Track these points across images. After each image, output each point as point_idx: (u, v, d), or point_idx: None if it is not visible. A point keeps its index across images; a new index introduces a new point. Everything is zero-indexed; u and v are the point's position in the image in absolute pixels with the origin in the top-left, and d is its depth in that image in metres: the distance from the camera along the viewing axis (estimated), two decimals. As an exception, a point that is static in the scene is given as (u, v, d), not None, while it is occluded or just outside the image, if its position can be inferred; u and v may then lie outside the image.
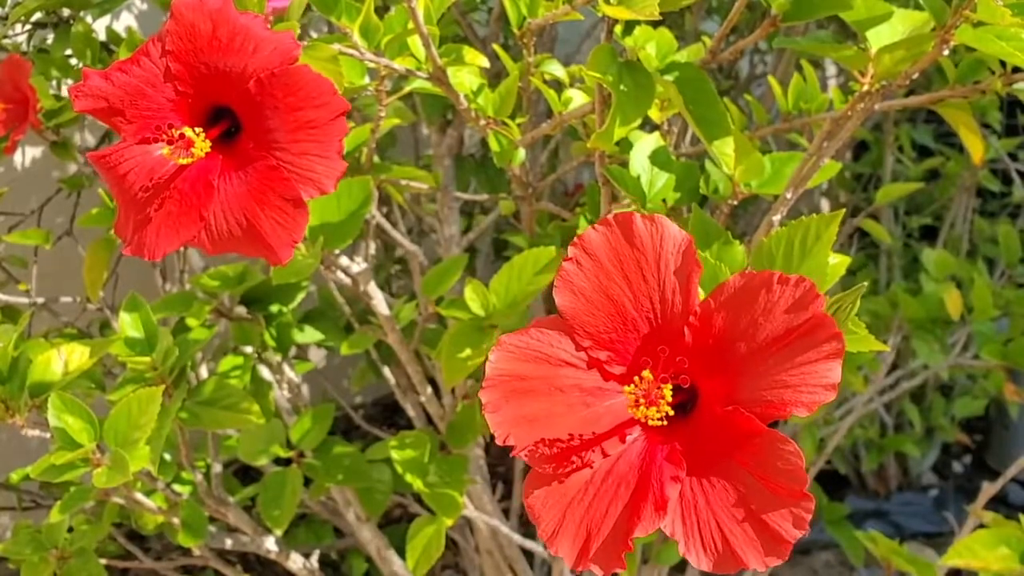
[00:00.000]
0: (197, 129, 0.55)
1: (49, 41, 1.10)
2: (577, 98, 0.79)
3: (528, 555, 1.26)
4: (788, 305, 0.43)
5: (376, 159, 0.92)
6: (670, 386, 0.46)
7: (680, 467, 0.45)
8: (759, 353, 0.44)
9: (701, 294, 0.47)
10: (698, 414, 0.47)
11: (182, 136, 0.54)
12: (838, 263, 0.56)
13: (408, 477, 0.93)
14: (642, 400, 0.46)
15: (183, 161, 0.55)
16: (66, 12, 1.06)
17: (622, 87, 0.58)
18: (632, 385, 0.46)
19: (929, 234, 1.89)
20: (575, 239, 0.47)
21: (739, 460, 0.44)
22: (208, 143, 0.55)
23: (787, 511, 0.42)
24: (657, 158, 0.74)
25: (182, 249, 1.14)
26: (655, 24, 0.61)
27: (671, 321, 0.46)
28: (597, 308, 0.47)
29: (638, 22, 0.62)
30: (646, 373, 0.46)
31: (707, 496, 0.44)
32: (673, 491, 0.45)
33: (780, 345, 0.43)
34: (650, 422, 0.46)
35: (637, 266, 0.46)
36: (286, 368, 1.09)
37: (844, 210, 0.53)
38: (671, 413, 0.46)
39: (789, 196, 0.67)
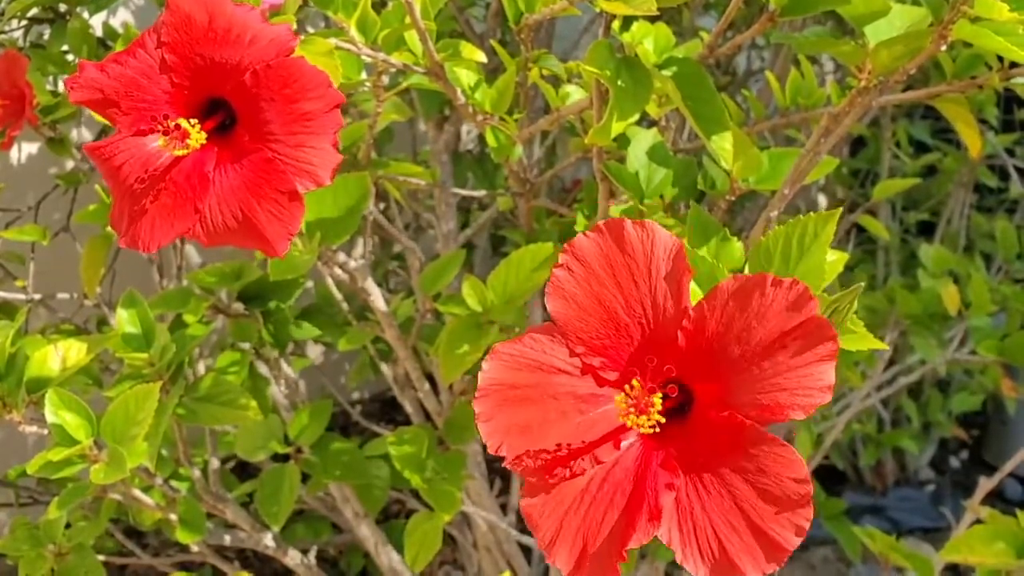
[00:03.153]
0: (193, 120, 0.55)
1: (46, 37, 1.10)
2: (575, 94, 0.79)
3: (526, 550, 1.26)
4: (782, 308, 0.43)
5: (373, 155, 0.92)
6: (660, 395, 0.45)
7: (675, 474, 0.45)
8: (753, 356, 0.43)
9: (698, 293, 0.47)
10: (693, 417, 0.47)
11: (177, 127, 0.54)
12: (836, 259, 0.56)
13: (406, 473, 0.93)
14: (632, 409, 0.45)
15: (178, 152, 0.55)
16: (63, 8, 1.06)
17: (620, 83, 0.58)
18: (623, 395, 0.46)
19: (926, 230, 1.90)
20: (566, 246, 0.47)
21: (736, 466, 0.43)
22: (204, 134, 0.55)
23: (786, 519, 0.42)
24: (655, 154, 0.74)
25: (179, 245, 1.14)
26: (653, 19, 0.61)
27: (664, 326, 0.46)
28: (589, 314, 0.47)
29: (636, 17, 0.62)
30: (635, 382, 0.46)
31: (703, 502, 0.44)
32: (668, 499, 0.44)
33: (775, 348, 0.43)
34: (641, 430, 0.46)
35: (628, 272, 0.46)
36: (284, 364, 1.09)
37: (841, 208, 0.52)
38: (662, 421, 0.45)
39: (786, 192, 0.67)
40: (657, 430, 0.46)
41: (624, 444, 0.47)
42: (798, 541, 0.42)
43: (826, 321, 0.42)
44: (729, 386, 0.44)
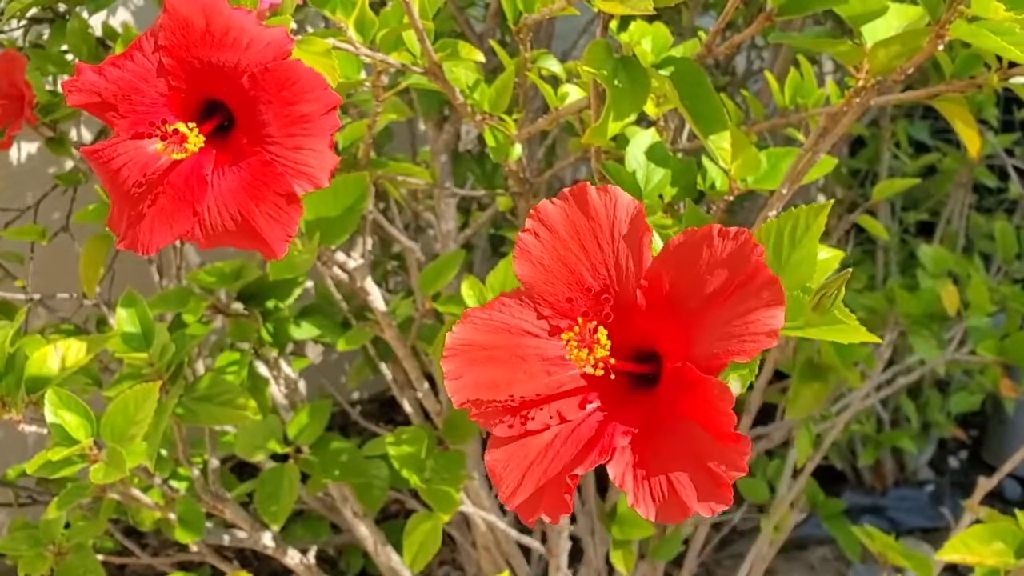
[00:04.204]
0: (191, 124, 0.55)
1: (45, 37, 1.10)
2: (573, 94, 0.79)
3: (525, 551, 1.26)
4: (728, 257, 0.44)
5: (373, 155, 0.92)
6: (605, 330, 0.47)
7: (634, 426, 0.46)
8: (706, 307, 0.45)
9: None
10: (660, 383, 0.48)
11: (176, 132, 0.54)
12: (832, 257, 0.56)
13: (405, 473, 0.94)
14: (575, 343, 0.47)
15: (177, 157, 0.55)
16: (62, 7, 1.06)
17: (617, 82, 0.58)
18: (570, 333, 0.47)
19: (926, 230, 1.90)
20: (532, 211, 0.49)
21: (685, 410, 0.45)
22: (202, 138, 0.55)
23: (724, 454, 0.43)
24: (654, 154, 0.74)
25: (178, 245, 1.14)
26: (650, 19, 0.61)
27: (627, 287, 0.47)
28: (556, 277, 0.49)
29: (633, 17, 0.62)
30: (580, 319, 0.47)
31: (656, 447, 0.45)
32: (623, 441, 0.45)
33: (724, 297, 0.44)
34: (588, 369, 0.47)
35: (592, 235, 0.48)
36: (283, 364, 1.09)
37: (834, 200, 0.53)
38: (612, 360, 0.47)
39: (785, 192, 0.67)
40: (609, 375, 0.47)
41: (590, 407, 0.49)
42: (737, 475, 0.43)
43: (765, 266, 0.43)
44: (687, 339, 0.45)
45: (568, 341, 0.47)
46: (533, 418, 0.48)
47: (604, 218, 0.47)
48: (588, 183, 0.48)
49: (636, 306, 0.47)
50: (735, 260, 0.44)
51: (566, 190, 0.48)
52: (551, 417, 0.48)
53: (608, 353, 0.47)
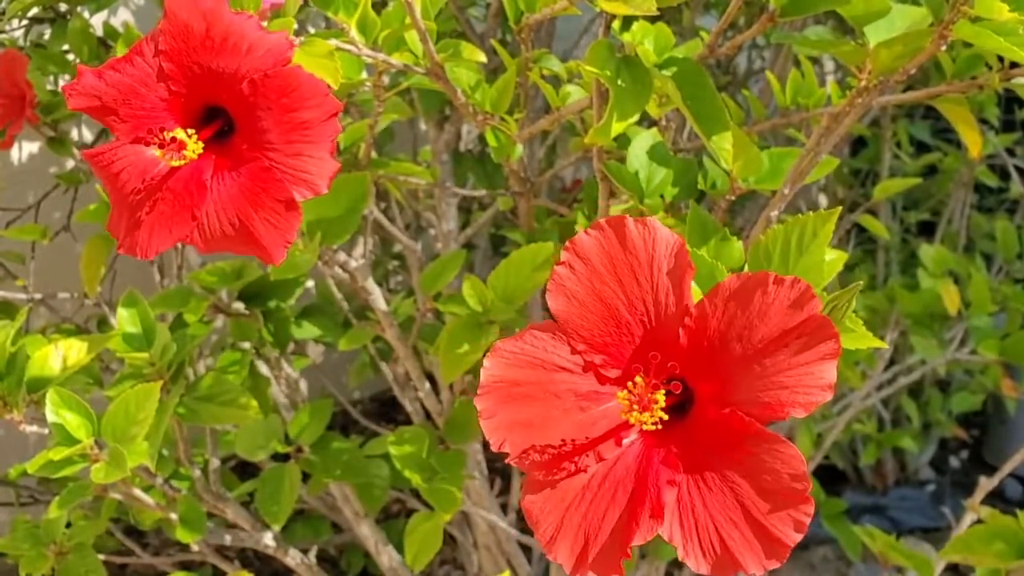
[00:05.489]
0: (190, 131, 0.55)
1: (46, 36, 1.10)
2: (575, 94, 0.79)
3: (526, 550, 1.26)
4: (784, 306, 0.43)
5: (374, 155, 0.92)
6: (663, 391, 0.45)
7: (677, 470, 0.45)
8: (755, 355, 0.43)
9: (697, 292, 0.47)
10: (695, 415, 0.47)
11: (174, 139, 0.54)
12: (835, 259, 0.56)
13: (406, 473, 0.93)
14: (635, 406, 0.46)
15: (175, 163, 0.55)
16: (63, 7, 1.06)
17: (620, 82, 0.58)
18: (625, 391, 0.46)
19: (927, 230, 1.90)
20: (567, 243, 0.47)
21: (737, 462, 0.44)
22: (200, 145, 0.55)
23: (786, 514, 0.42)
24: (655, 153, 0.74)
25: (179, 245, 1.14)
26: (653, 19, 0.61)
27: (665, 323, 0.46)
28: (591, 312, 0.47)
29: (636, 17, 0.62)
30: (638, 378, 0.46)
31: (704, 499, 0.44)
32: (670, 496, 0.44)
33: (776, 346, 0.43)
34: (644, 427, 0.46)
35: (630, 269, 0.46)
36: (284, 364, 1.09)
37: (840, 207, 0.53)
38: (665, 418, 0.46)
39: (787, 191, 0.67)
40: (659, 427, 0.46)
41: (626, 442, 0.47)
42: (798, 537, 0.42)
43: (827, 320, 0.42)
44: (730, 384, 0.44)
45: (628, 402, 0.46)
46: (570, 461, 0.47)
47: (643, 252, 0.46)
48: (626, 216, 0.46)
49: (675, 344, 0.46)
50: (791, 309, 0.43)
51: (602, 220, 0.47)
52: (588, 458, 0.47)
53: (663, 412, 0.46)
